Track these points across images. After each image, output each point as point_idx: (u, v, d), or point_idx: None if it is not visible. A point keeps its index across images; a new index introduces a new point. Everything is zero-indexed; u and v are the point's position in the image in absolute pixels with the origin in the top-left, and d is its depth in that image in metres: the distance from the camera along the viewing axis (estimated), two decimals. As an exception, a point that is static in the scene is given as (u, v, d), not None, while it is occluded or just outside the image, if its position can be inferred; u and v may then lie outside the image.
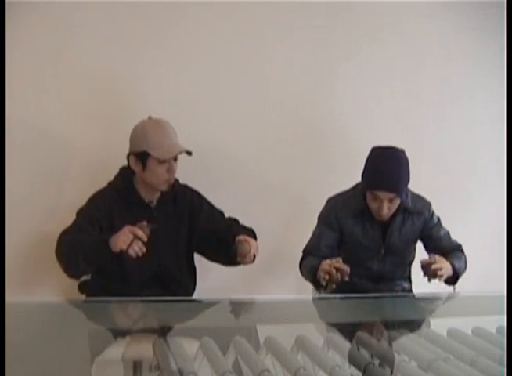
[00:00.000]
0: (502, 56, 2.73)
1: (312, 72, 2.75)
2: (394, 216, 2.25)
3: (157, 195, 2.20)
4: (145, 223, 1.89)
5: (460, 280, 2.24)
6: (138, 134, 2.14)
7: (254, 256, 2.06)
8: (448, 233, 2.36)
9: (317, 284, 2.14)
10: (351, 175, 2.38)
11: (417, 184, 2.42)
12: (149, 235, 1.86)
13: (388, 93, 2.84)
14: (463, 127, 2.96)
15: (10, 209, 2.17)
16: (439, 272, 2.09)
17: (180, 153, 2.13)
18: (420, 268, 2.16)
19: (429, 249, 2.33)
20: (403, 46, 2.85)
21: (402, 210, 2.25)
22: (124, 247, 1.84)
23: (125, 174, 2.20)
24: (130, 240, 1.85)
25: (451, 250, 2.29)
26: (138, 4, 2.51)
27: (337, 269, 2.02)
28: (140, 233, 1.86)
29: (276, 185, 2.76)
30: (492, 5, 2.83)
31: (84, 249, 1.95)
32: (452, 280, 2.20)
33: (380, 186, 2.13)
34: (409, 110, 2.87)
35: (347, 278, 2.04)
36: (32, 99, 2.44)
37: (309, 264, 2.22)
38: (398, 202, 2.18)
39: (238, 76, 2.66)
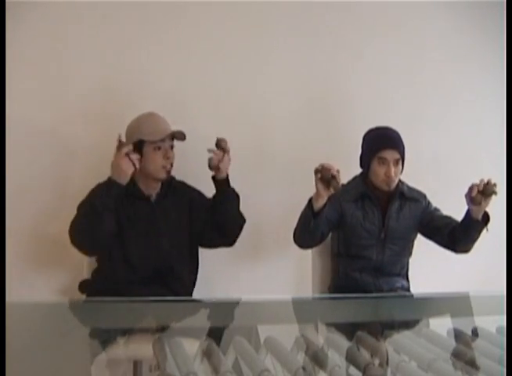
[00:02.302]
0: (503, 55, 2.74)
1: (312, 73, 2.75)
2: (392, 201, 2.32)
3: (157, 189, 2.24)
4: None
5: (461, 280, 2.24)
6: (133, 126, 2.20)
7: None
8: (443, 214, 2.37)
9: (312, 213, 2.15)
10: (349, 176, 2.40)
11: (417, 183, 2.43)
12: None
13: (388, 93, 2.84)
14: (463, 126, 2.96)
15: (11, 209, 2.17)
16: (495, 188, 2.10)
17: (172, 134, 2.17)
18: (417, 266, 2.15)
19: (434, 232, 2.34)
20: (404, 45, 2.85)
21: (399, 195, 2.33)
22: (132, 168, 2.04)
23: None
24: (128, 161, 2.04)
25: (456, 222, 2.30)
26: (138, 4, 2.51)
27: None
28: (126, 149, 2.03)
29: (277, 185, 2.77)
30: (493, 4, 2.83)
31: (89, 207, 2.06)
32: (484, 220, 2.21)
33: (386, 145, 2.24)
34: (409, 109, 2.87)
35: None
36: (33, 99, 2.44)
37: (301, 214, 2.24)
38: (400, 169, 2.28)
39: (238, 75, 2.66)
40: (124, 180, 2.05)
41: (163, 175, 2.19)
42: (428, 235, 2.37)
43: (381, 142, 2.27)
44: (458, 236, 2.25)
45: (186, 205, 2.28)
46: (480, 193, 2.11)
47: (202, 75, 2.61)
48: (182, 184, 2.34)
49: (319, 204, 2.14)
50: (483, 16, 2.89)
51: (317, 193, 2.12)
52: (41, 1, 2.41)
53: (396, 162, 2.25)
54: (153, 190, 2.23)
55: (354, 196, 2.32)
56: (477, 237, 2.22)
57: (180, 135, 2.19)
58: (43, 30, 2.44)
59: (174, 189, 2.28)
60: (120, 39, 2.51)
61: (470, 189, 2.13)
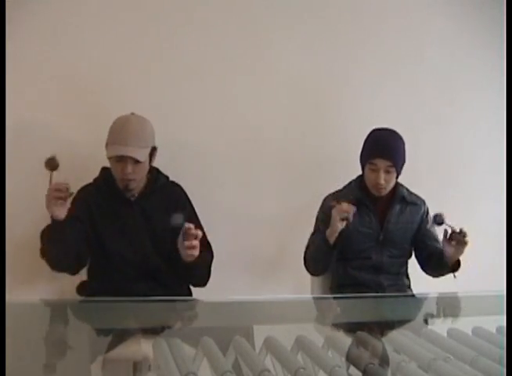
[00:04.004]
0: (503, 55, 2.74)
1: (309, 73, 2.75)
2: (392, 205, 2.32)
3: (140, 188, 2.16)
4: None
5: (461, 280, 2.25)
6: (111, 125, 2.11)
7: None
8: (436, 235, 2.39)
9: (328, 247, 2.19)
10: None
11: (417, 183, 2.43)
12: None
13: (388, 92, 2.84)
14: (464, 126, 2.97)
15: (12, 209, 2.17)
16: (466, 239, 2.13)
17: (120, 155, 2.04)
18: (417, 265, 2.17)
19: (418, 245, 2.39)
20: (404, 45, 2.85)
21: (400, 199, 2.33)
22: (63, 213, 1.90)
23: (107, 169, 2.18)
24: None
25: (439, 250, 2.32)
26: (133, 4, 2.52)
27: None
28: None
29: (275, 185, 2.77)
30: (493, 3, 2.84)
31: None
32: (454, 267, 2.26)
33: (378, 153, 2.22)
34: (409, 108, 2.87)
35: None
36: (32, 99, 2.44)
37: (314, 244, 2.27)
38: (394, 177, 2.25)
39: (233, 76, 2.66)
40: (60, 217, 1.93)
41: (122, 186, 2.10)
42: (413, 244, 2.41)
43: (373, 150, 2.25)
44: (430, 263, 2.35)
45: (172, 207, 2.13)
46: (451, 240, 2.15)
47: (198, 75, 2.61)
48: (173, 185, 2.24)
49: (334, 238, 2.17)
50: (483, 16, 2.89)
51: (333, 229, 2.15)
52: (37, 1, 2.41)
53: (388, 169, 2.22)
54: (134, 190, 2.15)
55: (351, 202, 2.27)
56: (445, 274, 2.29)
57: (136, 160, 2.03)
58: (40, 31, 2.43)
59: (162, 188, 2.19)
60: (119, 40, 2.51)
61: (445, 235, 2.16)
